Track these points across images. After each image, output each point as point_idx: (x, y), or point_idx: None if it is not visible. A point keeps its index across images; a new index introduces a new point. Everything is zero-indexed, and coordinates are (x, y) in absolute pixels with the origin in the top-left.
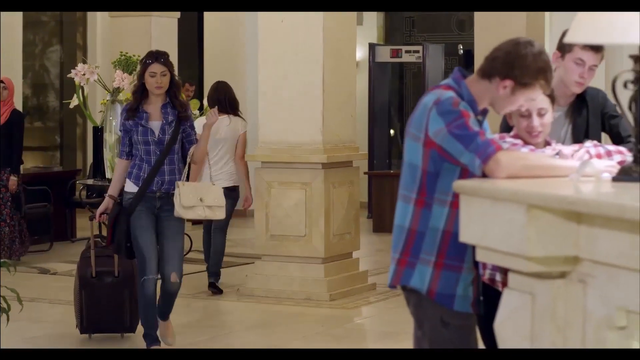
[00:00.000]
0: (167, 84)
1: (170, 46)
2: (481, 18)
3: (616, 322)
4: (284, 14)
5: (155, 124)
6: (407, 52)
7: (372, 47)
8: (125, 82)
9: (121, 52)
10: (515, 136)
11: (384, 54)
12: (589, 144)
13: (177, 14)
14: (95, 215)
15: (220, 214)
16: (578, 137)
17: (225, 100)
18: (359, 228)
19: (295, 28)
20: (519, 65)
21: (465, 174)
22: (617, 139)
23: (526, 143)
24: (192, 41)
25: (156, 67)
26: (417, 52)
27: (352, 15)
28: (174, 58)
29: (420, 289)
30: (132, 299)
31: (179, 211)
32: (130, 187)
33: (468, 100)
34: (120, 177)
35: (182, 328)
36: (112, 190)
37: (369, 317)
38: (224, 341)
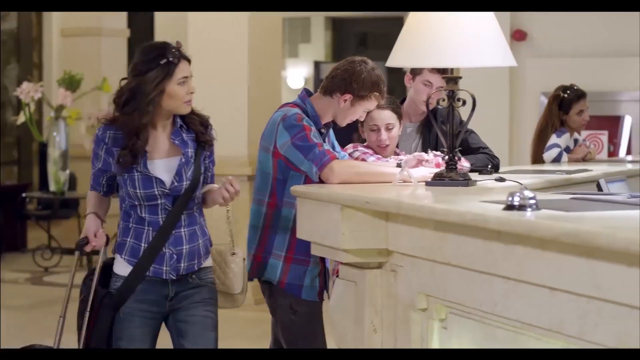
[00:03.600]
0: None
1: (121, 65)
2: None
3: (418, 304)
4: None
5: (163, 166)
6: None
7: (317, 65)
8: (68, 100)
9: (65, 71)
10: (367, 146)
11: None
12: (431, 154)
13: (127, 34)
14: (81, 245)
15: None
16: (427, 150)
17: None
18: None
19: (221, 44)
20: (355, 80)
21: (309, 180)
22: (468, 151)
23: (376, 153)
24: None
25: (186, 69)
26: None
27: (277, 30)
28: (124, 76)
29: (273, 280)
30: None
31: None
32: (122, 268)
33: (312, 116)
34: (98, 201)
35: None
36: (93, 207)
37: None
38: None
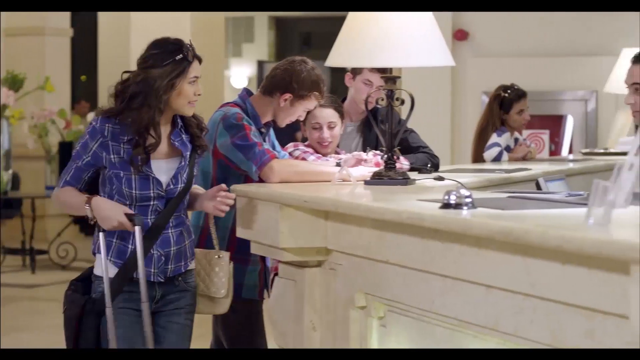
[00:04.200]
0: None
1: (64, 65)
2: None
3: (357, 303)
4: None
5: (163, 167)
6: None
7: (260, 64)
8: (11, 99)
9: (8, 70)
10: (308, 146)
11: None
12: (370, 154)
13: (70, 33)
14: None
15: None
16: (366, 149)
17: None
18: None
19: None
20: (295, 79)
21: (250, 179)
22: (408, 151)
23: (317, 152)
24: (86, 59)
25: (198, 69)
26: None
27: (220, 29)
28: (67, 77)
29: None
30: None
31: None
32: (108, 270)
33: (252, 116)
34: (75, 195)
35: None
36: (81, 195)
37: None
38: None
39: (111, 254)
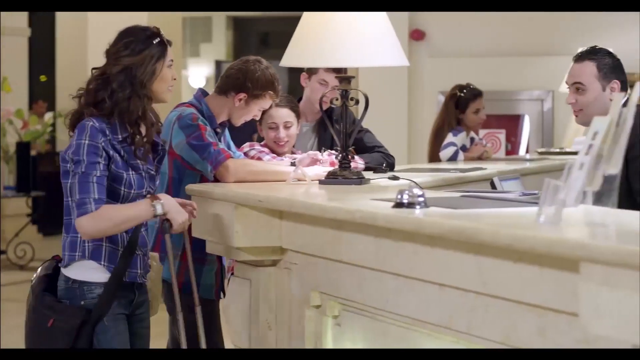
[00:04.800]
0: None
1: (21, 64)
2: None
3: (312, 302)
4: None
5: (150, 165)
6: None
7: (218, 64)
8: None
9: None
10: (264, 145)
11: None
12: (325, 154)
13: (28, 33)
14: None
15: None
16: (321, 149)
17: None
18: None
19: None
20: (249, 79)
21: (205, 179)
22: (364, 150)
23: (273, 152)
24: (44, 59)
25: (171, 52)
26: None
27: (177, 29)
28: (25, 76)
29: (169, 279)
30: None
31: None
32: (99, 275)
33: (207, 116)
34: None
35: None
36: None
37: None
38: None
39: (104, 258)
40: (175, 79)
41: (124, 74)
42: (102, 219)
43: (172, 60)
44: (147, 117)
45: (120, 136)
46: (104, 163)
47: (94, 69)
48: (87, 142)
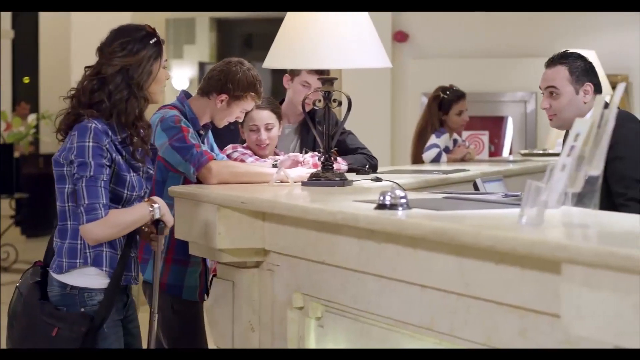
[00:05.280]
0: None
1: (5, 66)
2: None
3: (294, 303)
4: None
5: (149, 165)
6: None
7: (202, 66)
8: None
9: None
10: (247, 147)
11: None
12: (308, 155)
13: (11, 35)
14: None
15: None
16: (303, 151)
17: None
18: None
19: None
20: (231, 80)
21: (188, 181)
22: (346, 152)
23: (255, 154)
24: (27, 60)
25: (165, 52)
26: None
27: (160, 30)
28: (8, 78)
29: (150, 280)
30: None
31: None
32: (100, 281)
33: (190, 118)
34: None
35: None
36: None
37: None
38: None
39: (105, 264)
40: (167, 79)
41: (121, 75)
42: (112, 225)
43: (166, 60)
44: (143, 118)
45: (119, 137)
46: (108, 165)
47: (87, 67)
48: (91, 144)
